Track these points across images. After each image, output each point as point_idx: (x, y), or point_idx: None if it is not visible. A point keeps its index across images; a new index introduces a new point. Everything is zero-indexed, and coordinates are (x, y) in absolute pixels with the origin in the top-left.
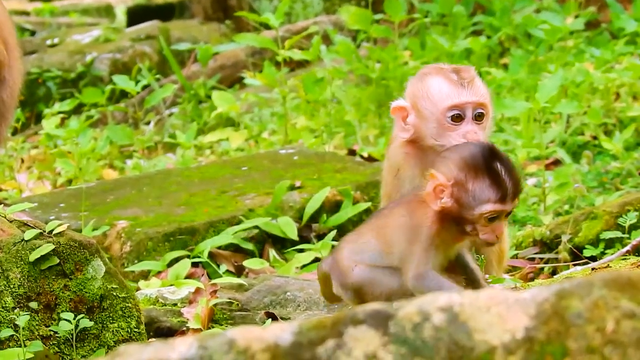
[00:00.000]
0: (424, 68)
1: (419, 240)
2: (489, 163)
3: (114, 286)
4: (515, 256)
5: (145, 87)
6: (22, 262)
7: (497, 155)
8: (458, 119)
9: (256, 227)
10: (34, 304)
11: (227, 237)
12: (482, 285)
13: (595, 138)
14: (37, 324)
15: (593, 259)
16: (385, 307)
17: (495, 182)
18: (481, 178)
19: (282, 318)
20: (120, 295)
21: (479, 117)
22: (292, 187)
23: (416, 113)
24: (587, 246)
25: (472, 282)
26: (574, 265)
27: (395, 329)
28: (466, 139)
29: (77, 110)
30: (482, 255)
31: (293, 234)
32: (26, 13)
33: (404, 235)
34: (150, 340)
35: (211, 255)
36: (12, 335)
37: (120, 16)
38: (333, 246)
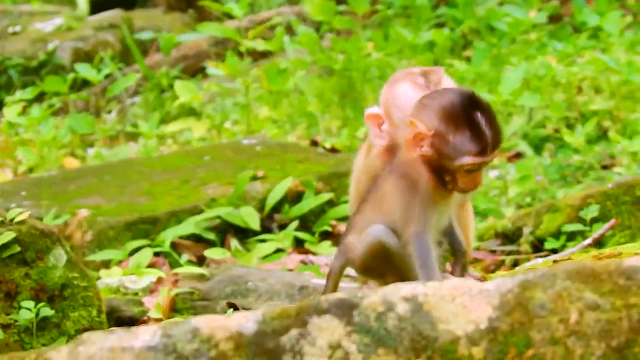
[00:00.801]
0: (396, 73)
1: (417, 196)
2: (470, 113)
3: (75, 275)
4: (477, 248)
5: (107, 76)
6: None
7: (477, 104)
8: None
9: (218, 217)
10: None
11: (189, 226)
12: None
13: (557, 131)
14: None
15: (554, 251)
16: (350, 296)
17: (476, 134)
18: (461, 130)
19: (243, 308)
20: (81, 284)
21: None
22: (255, 177)
23: (389, 120)
24: (548, 239)
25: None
26: (536, 257)
27: (359, 319)
28: None
29: (39, 98)
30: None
31: (255, 224)
32: None
33: (403, 196)
34: (111, 329)
35: (173, 244)
36: None
37: (83, 5)
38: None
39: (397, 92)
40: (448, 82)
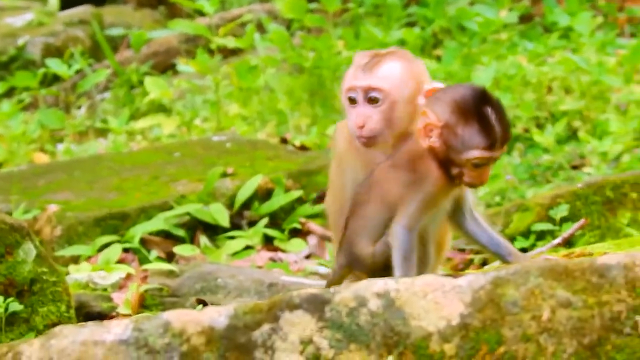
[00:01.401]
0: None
1: (421, 192)
2: (480, 108)
3: (44, 270)
4: None
5: (77, 71)
6: None
7: (488, 100)
8: (353, 101)
9: (188, 213)
10: None
11: (158, 223)
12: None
13: (527, 131)
14: None
15: (524, 250)
16: (322, 291)
17: (485, 128)
18: (471, 123)
19: (212, 305)
20: (50, 279)
21: (372, 101)
22: (224, 174)
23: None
24: (518, 238)
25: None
26: None
27: (331, 314)
28: (355, 123)
29: (9, 93)
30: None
31: (224, 221)
32: None
33: (407, 190)
34: (83, 323)
35: (142, 241)
36: None
37: (53, 0)
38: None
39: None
40: (390, 67)
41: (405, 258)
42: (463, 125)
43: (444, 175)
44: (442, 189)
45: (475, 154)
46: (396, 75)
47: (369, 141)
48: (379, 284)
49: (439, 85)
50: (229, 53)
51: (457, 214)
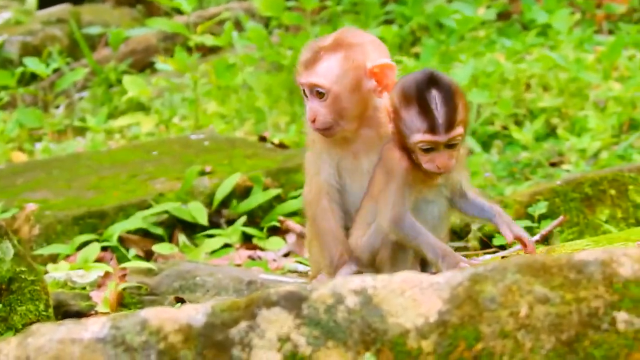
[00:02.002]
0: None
1: (393, 180)
2: (422, 91)
3: (23, 269)
4: None
5: (55, 70)
6: None
7: (435, 83)
8: (306, 95)
9: (166, 211)
10: None
11: (136, 221)
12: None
13: (505, 128)
14: None
15: (502, 247)
16: (299, 289)
17: (424, 111)
18: (412, 107)
19: (191, 303)
20: (28, 278)
21: (318, 95)
22: (203, 173)
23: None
24: (496, 235)
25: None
26: (484, 253)
27: (309, 311)
28: (307, 118)
29: None
30: None
31: (203, 219)
32: None
33: (383, 181)
34: (60, 321)
35: (120, 239)
36: None
37: None
38: (246, 236)
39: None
40: (327, 61)
41: (421, 241)
42: (405, 108)
43: (411, 164)
44: (411, 177)
45: (418, 137)
46: (335, 69)
47: (325, 132)
48: (356, 281)
49: (385, 60)
50: (207, 51)
51: (453, 200)
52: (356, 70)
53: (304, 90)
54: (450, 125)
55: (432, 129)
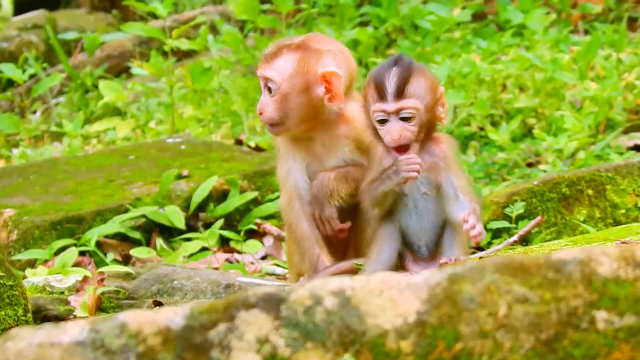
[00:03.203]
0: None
1: (373, 161)
2: (382, 69)
3: (1, 274)
4: None
5: (32, 76)
6: None
7: (398, 61)
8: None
9: (143, 216)
10: None
11: (114, 225)
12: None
13: (481, 129)
14: None
15: (480, 248)
16: (277, 291)
17: (377, 83)
18: (370, 82)
19: (169, 306)
20: (7, 283)
21: (269, 89)
22: (180, 176)
23: None
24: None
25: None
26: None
27: (287, 313)
28: (257, 109)
29: None
30: None
31: (180, 223)
32: None
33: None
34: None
35: (98, 244)
36: None
37: (7, 5)
38: (223, 239)
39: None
40: (284, 57)
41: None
42: (368, 86)
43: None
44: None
45: (373, 108)
46: (289, 68)
47: (271, 129)
48: (335, 282)
49: (331, 68)
50: (182, 55)
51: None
52: (307, 74)
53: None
54: (398, 94)
55: (381, 97)
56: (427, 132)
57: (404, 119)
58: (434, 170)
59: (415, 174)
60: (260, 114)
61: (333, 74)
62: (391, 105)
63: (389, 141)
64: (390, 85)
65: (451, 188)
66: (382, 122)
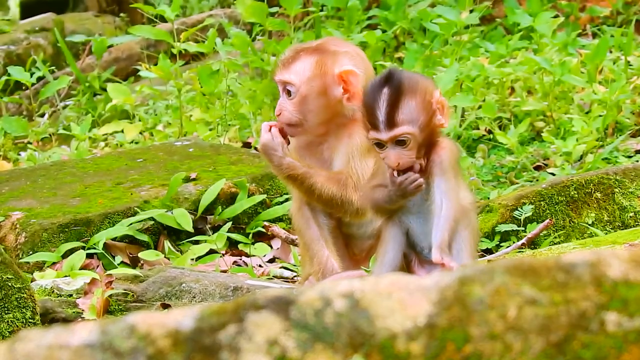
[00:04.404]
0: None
1: (377, 163)
2: (373, 90)
3: (9, 276)
4: None
5: (39, 79)
6: None
7: (389, 81)
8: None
9: (151, 218)
10: None
11: (122, 228)
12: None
13: (490, 132)
14: None
15: (489, 251)
16: (286, 293)
17: (370, 110)
18: (364, 106)
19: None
20: (15, 286)
21: (288, 93)
22: (188, 179)
23: None
24: (482, 239)
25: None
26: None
27: (297, 315)
28: (275, 112)
29: None
30: None
31: (188, 226)
32: None
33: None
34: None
35: (106, 246)
36: None
37: (14, 8)
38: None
39: None
40: (301, 61)
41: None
42: (362, 107)
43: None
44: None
45: (369, 135)
46: (307, 71)
47: (289, 129)
48: (344, 284)
49: (349, 67)
50: (190, 58)
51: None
52: (324, 75)
53: (279, 88)
54: (391, 123)
55: (375, 126)
56: (428, 143)
57: (399, 144)
58: (430, 175)
59: (421, 188)
60: (279, 115)
61: (350, 72)
62: (384, 135)
63: (388, 164)
64: (382, 114)
65: (438, 194)
66: (380, 147)
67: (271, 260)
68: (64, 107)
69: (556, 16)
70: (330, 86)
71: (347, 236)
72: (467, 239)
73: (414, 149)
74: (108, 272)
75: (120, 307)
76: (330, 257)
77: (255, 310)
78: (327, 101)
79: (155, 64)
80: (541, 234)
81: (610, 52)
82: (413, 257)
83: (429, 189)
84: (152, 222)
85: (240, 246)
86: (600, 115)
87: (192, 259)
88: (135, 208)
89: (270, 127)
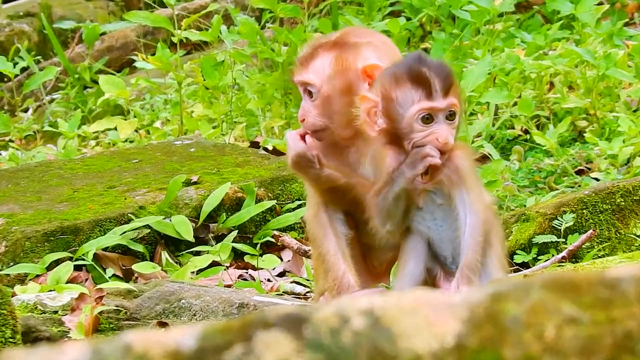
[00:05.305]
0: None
1: (382, 172)
2: (414, 66)
3: None
4: None
5: (23, 69)
6: None
7: (421, 60)
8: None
9: (147, 226)
10: None
11: (114, 237)
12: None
13: (526, 132)
14: None
15: (525, 265)
16: (300, 310)
17: (419, 81)
18: (403, 82)
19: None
20: None
21: (309, 94)
22: (188, 183)
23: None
24: (518, 252)
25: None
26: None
27: (311, 334)
28: (298, 117)
29: None
30: None
31: (188, 235)
32: None
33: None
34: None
35: (96, 257)
36: None
37: None
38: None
39: None
40: (319, 60)
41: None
42: (397, 87)
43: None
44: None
45: (415, 108)
46: (327, 68)
47: (315, 135)
48: (363, 300)
49: (373, 61)
50: (192, 48)
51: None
52: (346, 72)
53: (300, 90)
54: (447, 90)
55: (428, 95)
56: None
57: (450, 117)
58: (447, 183)
59: (437, 159)
60: (302, 120)
61: (375, 66)
62: (441, 102)
63: (432, 143)
64: (438, 81)
65: (462, 207)
66: (427, 121)
67: (281, 274)
68: (51, 102)
69: (600, 3)
70: (355, 83)
71: (366, 247)
72: (496, 252)
73: (456, 129)
74: (98, 286)
75: (111, 326)
76: (347, 273)
77: (264, 329)
78: (352, 100)
79: (153, 54)
80: (583, 246)
81: None
82: (438, 270)
83: (446, 197)
84: (148, 231)
85: (246, 258)
86: None
87: (193, 272)
88: (130, 214)
89: (301, 135)
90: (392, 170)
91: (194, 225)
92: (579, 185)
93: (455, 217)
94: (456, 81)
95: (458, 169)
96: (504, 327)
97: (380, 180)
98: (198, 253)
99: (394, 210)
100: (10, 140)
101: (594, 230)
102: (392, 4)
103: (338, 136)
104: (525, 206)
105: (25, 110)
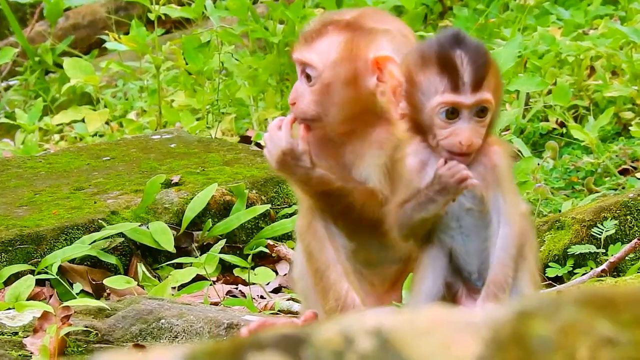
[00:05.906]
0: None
1: (401, 177)
2: (444, 49)
3: None
4: None
5: None
6: None
7: (461, 42)
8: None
9: (121, 234)
10: None
11: (82, 247)
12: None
13: (562, 125)
14: None
15: (559, 279)
16: (297, 330)
17: (445, 68)
18: (429, 67)
19: None
20: None
21: (307, 77)
22: (168, 184)
23: None
24: (551, 264)
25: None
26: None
27: (310, 357)
28: (289, 99)
29: None
30: None
31: (169, 245)
32: None
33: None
34: None
35: (62, 270)
36: None
37: None
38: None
39: None
40: (326, 40)
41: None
42: (422, 71)
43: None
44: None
45: (437, 100)
46: (333, 52)
47: (304, 122)
48: (371, 318)
49: (385, 52)
50: (172, 26)
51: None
52: (355, 60)
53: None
54: (477, 84)
55: (454, 87)
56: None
57: (479, 114)
58: (482, 184)
59: (474, 181)
60: (293, 104)
61: (388, 59)
62: (468, 98)
63: (451, 144)
64: (466, 72)
65: (496, 214)
66: (452, 117)
67: (276, 290)
68: (7, 89)
69: None
70: (362, 74)
71: (363, 263)
72: (530, 267)
73: (486, 127)
74: (64, 303)
75: (80, 349)
76: (351, 291)
77: (257, 350)
78: (356, 93)
79: (127, 33)
80: (627, 258)
81: None
82: (460, 286)
83: (476, 199)
84: (122, 240)
85: (235, 271)
86: None
87: (174, 288)
88: (100, 221)
89: (283, 124)
90: (419, 190)
91: (175, 233)
92: (623, 187)
93: (485, 225)
94: (494, 72)
95: (496, 168)
96: (531, 349)
97: (400, 189)
98: (180, 266)
99: (419, 230)
100: None
101: (639, 239)
102: None
103: (332, 131)
104: (560, 211)
105: None
